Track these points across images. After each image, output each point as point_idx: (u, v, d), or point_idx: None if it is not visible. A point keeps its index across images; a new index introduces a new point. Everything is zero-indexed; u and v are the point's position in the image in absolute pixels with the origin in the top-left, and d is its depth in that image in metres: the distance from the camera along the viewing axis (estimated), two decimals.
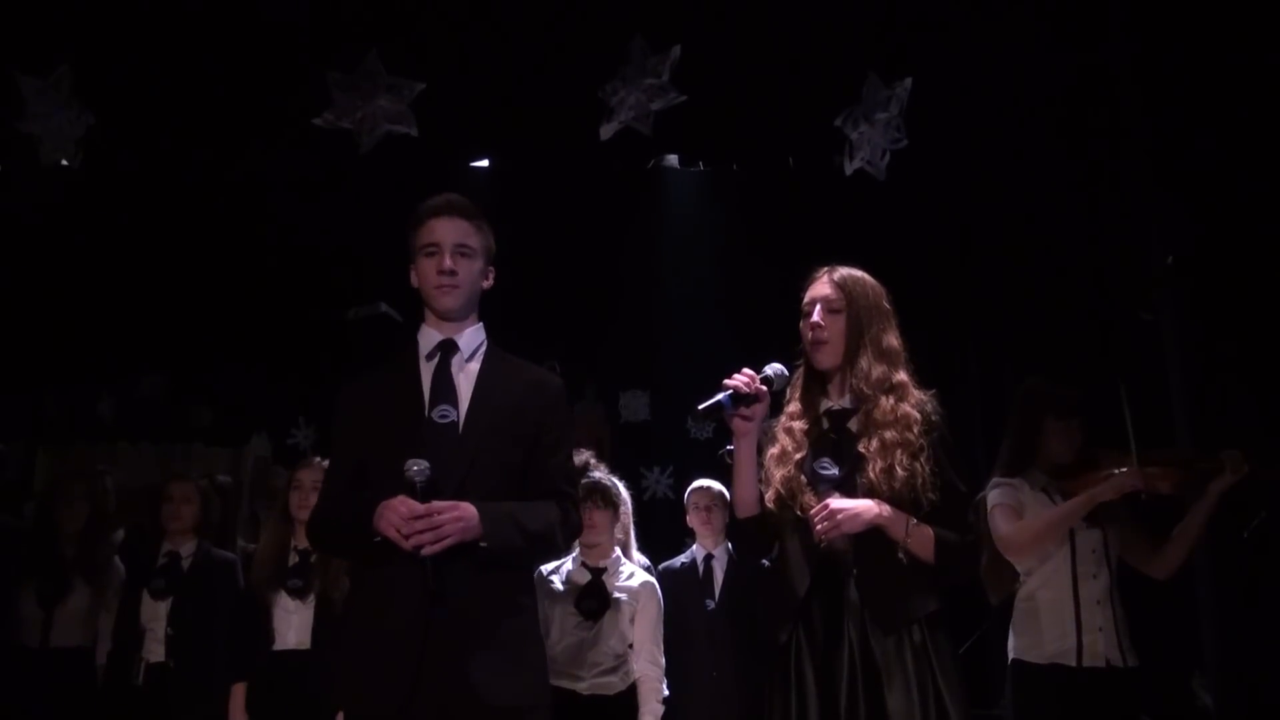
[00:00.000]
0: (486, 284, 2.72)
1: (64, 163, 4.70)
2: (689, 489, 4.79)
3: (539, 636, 2.63)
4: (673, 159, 6.13)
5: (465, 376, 2.62)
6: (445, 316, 2.65)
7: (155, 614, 4.13)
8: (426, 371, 2.62)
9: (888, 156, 4.85)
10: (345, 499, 2.58)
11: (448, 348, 2.64)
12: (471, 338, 2.68)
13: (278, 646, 3.81)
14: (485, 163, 5.83)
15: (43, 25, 4.61)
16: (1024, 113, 4.88)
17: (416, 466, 2.42)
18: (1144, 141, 4.68)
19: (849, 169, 4.93)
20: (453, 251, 2.61)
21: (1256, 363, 4.30)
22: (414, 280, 2.70)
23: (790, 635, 2.56)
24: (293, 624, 3.82)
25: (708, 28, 4.78)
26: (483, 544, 2.43)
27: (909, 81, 4.72)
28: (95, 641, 4.31)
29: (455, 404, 2.57)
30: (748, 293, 6.18)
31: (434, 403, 2.57)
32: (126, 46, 4.65)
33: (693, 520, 4.74)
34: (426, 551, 2.37)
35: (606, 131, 4.84)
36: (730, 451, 4.37)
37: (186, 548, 4.26)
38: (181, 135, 4.82)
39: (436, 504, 2.40)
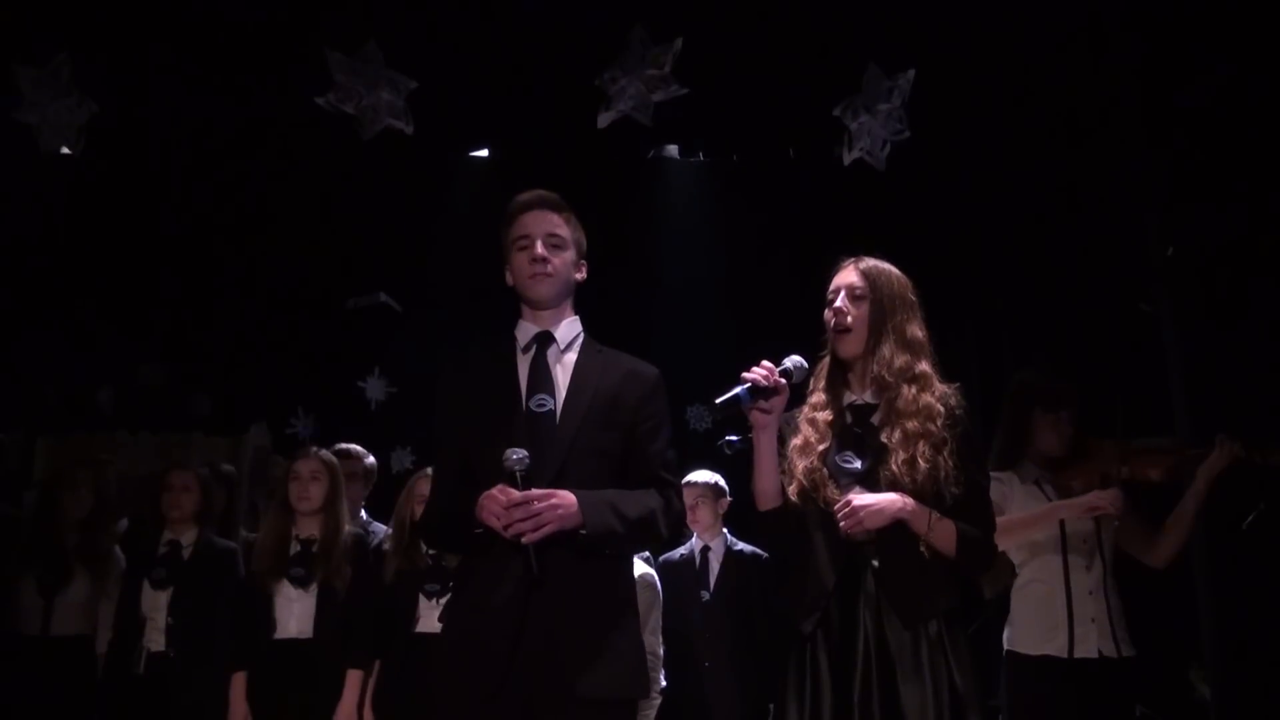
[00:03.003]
0: (579, 276, 2.75)
1: (65, 151, 4.70)
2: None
3: (636, 629, 2.61)
4: (673, 149, 6.13)
5: (562, 367, 2.65)
6: (540, 306, 2.68)
7: (156, 603, 4.13)
8: (523, 363, 2.65)
9: (888, 147, 4.85)
10: (454, 494, 2.60)
11: (544, 339, 2.67)
12: (568, 329, 2.70)
13: (279, 635, 3.80)
14: (484, 152, 5.83)
15: (41, 13, 4.60)
16: (1025, 104, 4.88)
17: (516, 455, 2.44)
18: (1145, 133, 4.68)
19: (847, 159, 4.93)
20: (544, 241, 2.65)
21: (1256, 353, 4.30)
22: (509, 279, 2.72)
23: (815, 625, 2.56)
24: (294, 613, 3.81)
25: (708, 17, 4.77)
26: (582, 531, 2.44)
27: (911, 73, 4.72)
28: (95, 630, 4.32)
29: (552, 393, 2.59)
30: (747, 284, 6.18)
31: (531, 393, 2.60)
32: (126, 35, 4.64)
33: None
34: (526, 539, 2.39)
35: (604, 120, 4.84)
36: (730, 442, 4.38)
37: (187, 537, 4.26)
38: (182, 126, 4.81)
39: (535, 491, 2.42)
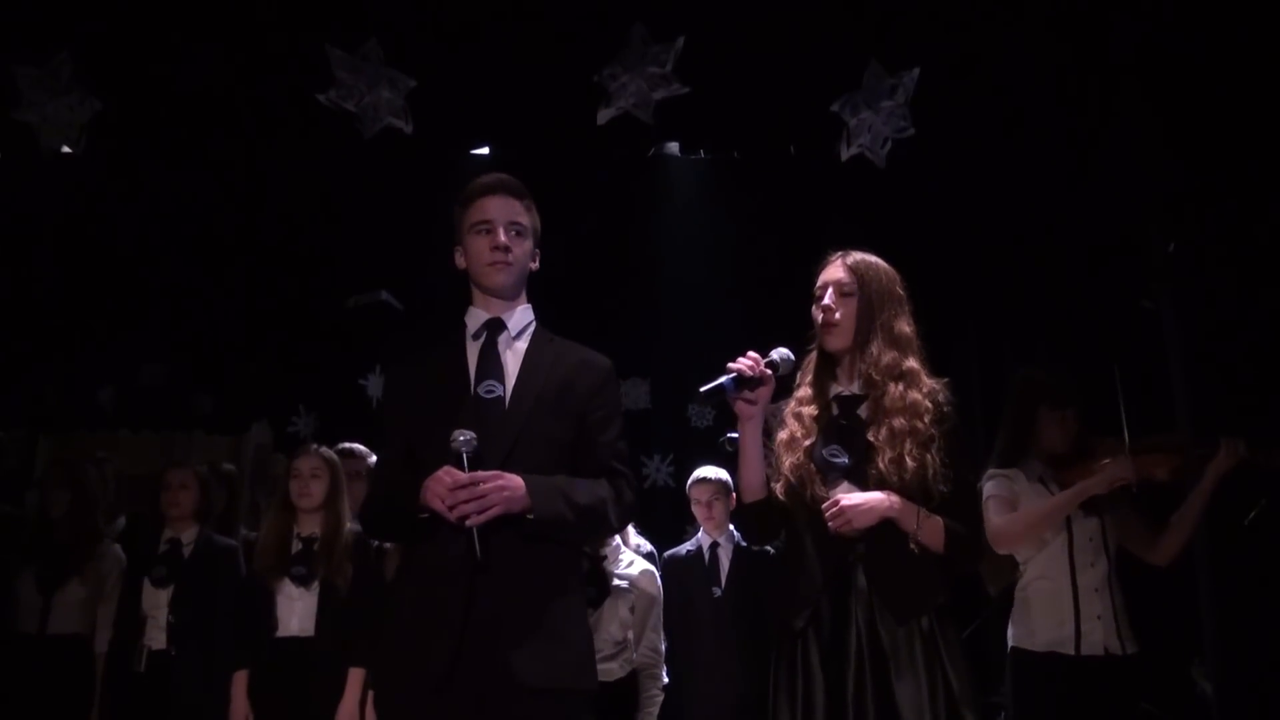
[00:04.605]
0: (534, 265, 2.70)
1: (66, 150, 4.69)
2: (690, 481, 4.78)
3: (584, 619, 2.58)
4: (673, 146, 6.12)
5: (512, 354, 2.61)
6: (496, 294, 2.64)
7: (157, 601, 4.14)
8: (473, 349, 2.61)
9: (889, 144, 4.84)
10: (396, 481, 2.56)
11: (495, 326, 2.63)
12: (520, 317, 2.66)
13: (280, 633, 3.80)
14: (485, 151, 5.82)
15: (42, 11, 4.60)
16: (1026, 100, 4.87)
17: (463, 437, 2.40)
18: (1146, 129, 4.67)
19: (845, 154, 4.92)
20: (506, 228, 2.60)
21: (1257, 350, 4.30)
22: (460, 261, 2.68)
23: (806, 622, 2.55)
24: (296, 611, 3.81)
25: (709, 14, 4.77)
26: (530, 515, 2.40)
27: (916, 71, 4.71)
28: (93, 629, 4.32)
29: (501, 379, 2.55)
30: (748, 280, 6.17)
31: (480, 379, 2.55)
32: (127, 33, 4.64)
33: (696, 512, 4.73)
34: (472, 521, 2.34)
35: (603, 116, 4.84)
36: (731, 439, 4.36)
37: (187, 535, 4.27)
38: (183, 123, 4.81)
39: (481, 473, 2.37)
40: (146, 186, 5.67)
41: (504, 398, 2.53)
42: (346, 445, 4.39)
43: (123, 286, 5.99)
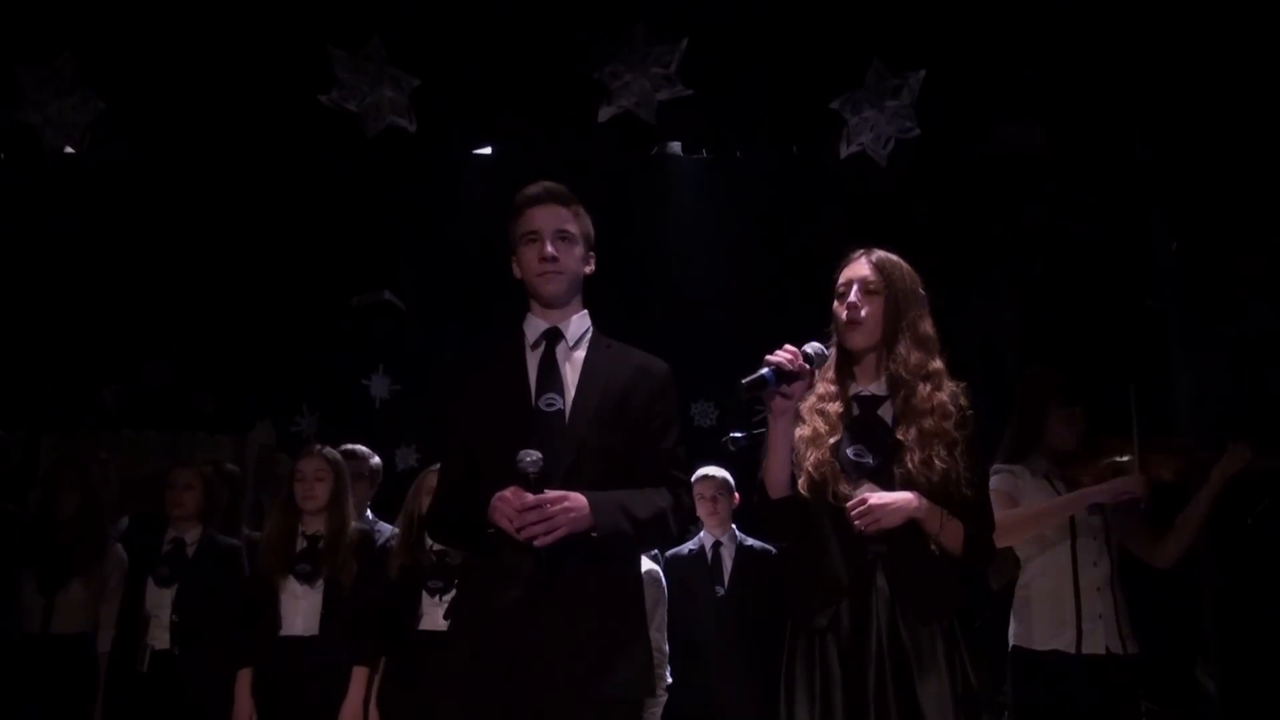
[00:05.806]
0: (588, 270, 2.73)
1: (69, 151, 4.69)
2: (693, 478, 4.78)
3: (645, 630, 2.60)
4: (675, 146, 6.12)
5: (571, 364, 2.63)
6: (549, 304, 2.66)
7: (160, 601, 4.13)
8: (532, 360, 2.63)
9: (892, 143, 4.84)
10: (461, 491, 2.59)
11: (553, 336, 2.65)
12: (577, 325, 2.69)
13: (285, 632, 3.81)
14: (488, 150, 5.82)
15: (45, 12, 4.60)
16: (1030, 101, 4.87)
17: (530, 457, 2.41)
18: (1150, 129, 4.67)
19: (844, 152, 4.92)
20: (553, 237, 2.62)
21: (1259, 350, 4.30)
22: (516, 272, 2.70)
23: (830, 621, 2.54)
24: (300, 609, 3.82)
25: (710, 14, 4.77)
26: (594, 534, 2.42)
27: (922, 73, 4.70)
28: (96, 629, 4.32)
29: (561, 392, 2.57)
30: (750, 280, 6.17)
31: (540, 391, 2.57)
32: (129, 33, 4.64)
33: (698, 509, 4.73)
34: (539, 543, 2.37)
35: (605, 114, 4.84)
36: (735, 439, 4.37)
37: (191, 534, 4.27)
38: (186, 124, 4.81)
39: (548, 494, 2.39)
40: (149, 186, 5.67)
41: (564, 411, 2.56)
42: (349, 446, 4.40)
43: (126, 286, 6.00)
